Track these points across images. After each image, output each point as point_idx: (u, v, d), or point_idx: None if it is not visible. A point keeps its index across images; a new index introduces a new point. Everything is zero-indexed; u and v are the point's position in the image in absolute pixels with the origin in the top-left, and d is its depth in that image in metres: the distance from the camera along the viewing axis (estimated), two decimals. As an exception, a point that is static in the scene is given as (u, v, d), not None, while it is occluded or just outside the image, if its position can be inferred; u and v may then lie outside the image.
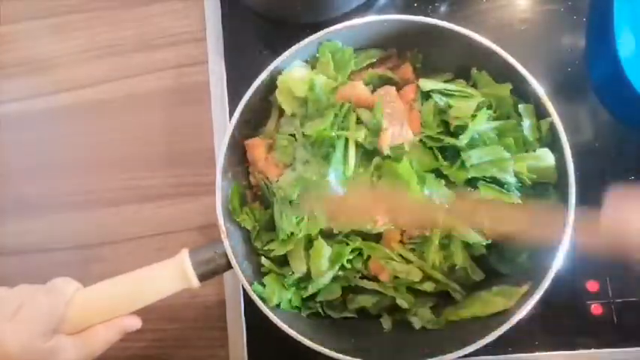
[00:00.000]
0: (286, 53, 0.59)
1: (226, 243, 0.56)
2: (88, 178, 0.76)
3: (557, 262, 0.52)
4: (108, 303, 0.53)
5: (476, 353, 0.53)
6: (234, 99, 0.70)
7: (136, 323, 0.54)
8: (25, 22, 0.80)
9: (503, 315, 0.54)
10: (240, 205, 0.61)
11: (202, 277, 0.55)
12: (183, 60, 0.76)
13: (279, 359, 0.67)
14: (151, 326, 0.57)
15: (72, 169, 0.77)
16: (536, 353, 0.64)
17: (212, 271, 0.56)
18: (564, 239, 0.52)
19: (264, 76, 0.59)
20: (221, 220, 0.57)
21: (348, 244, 0.58)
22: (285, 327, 0.55)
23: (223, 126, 0.72)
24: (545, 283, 0.52)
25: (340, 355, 0.54)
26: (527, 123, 0.56)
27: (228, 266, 0.56)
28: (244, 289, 0.57)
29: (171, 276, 0.55)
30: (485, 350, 0.53)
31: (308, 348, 0.54)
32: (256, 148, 0.61)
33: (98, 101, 0.77)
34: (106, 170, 0.76)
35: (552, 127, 0.55)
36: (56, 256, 0.75)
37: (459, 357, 0.53)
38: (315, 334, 0.56)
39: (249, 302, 0.63)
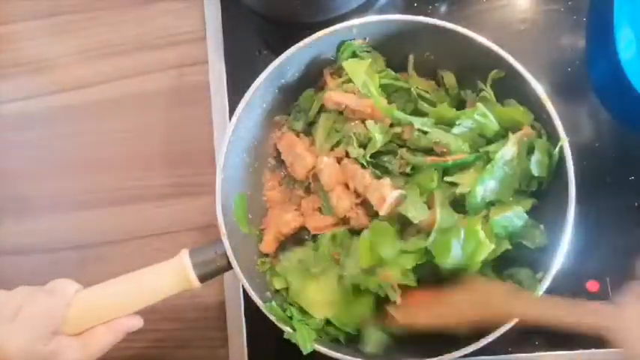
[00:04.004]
0: (286, 53, 0.59)
1: (226, 243, 0.56)
2: (88, 178, 0.76)
3: (557, 262, 0.52)
4: (108, 304, 0.53)
5: (476, 353, 0.53)
6: (234, 99, 0.70)
7: (137, 323, 0.54)
8: (25, 22, 0.80)
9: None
10: (244, 214, 0.61)
11: (203, 278, 0.55)
12: (183, 60, 0.76)
13: (279, 359, 0.67)
14: (151, 326, 0.56)
15: (72, 169, 0.77)
16: (536, 353, 0.64)
17: (212, 271, 0.56)
18: (564, 239, 0.52)
19: (264, 76, 0.59)
20: (221, 220, 0.57)
21: None
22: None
23: (223, 126, 0.72)
24: (545, 283, 0.52)
25: (340, 355, 0.54)
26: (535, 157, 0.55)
27: (229, 267, 0.56)
28: (244, 289, 0.57)
29: (172, 277, 0.54)
30: (486, 350, 0.53)
31: (308, 348, 0.54)
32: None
33: (98, 101, 0.77)
34: (106, 170, 0.76)
35: (552, 128, 0.55)
36: (56, 256, 0.75)
37: (459, 357, 0.53)
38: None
39: (249, 302, 0.63)
